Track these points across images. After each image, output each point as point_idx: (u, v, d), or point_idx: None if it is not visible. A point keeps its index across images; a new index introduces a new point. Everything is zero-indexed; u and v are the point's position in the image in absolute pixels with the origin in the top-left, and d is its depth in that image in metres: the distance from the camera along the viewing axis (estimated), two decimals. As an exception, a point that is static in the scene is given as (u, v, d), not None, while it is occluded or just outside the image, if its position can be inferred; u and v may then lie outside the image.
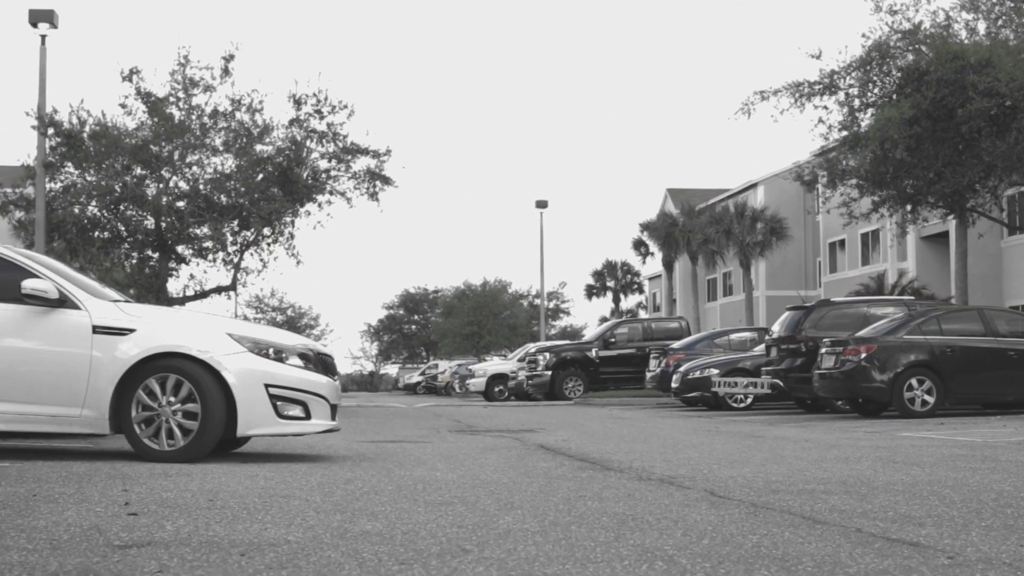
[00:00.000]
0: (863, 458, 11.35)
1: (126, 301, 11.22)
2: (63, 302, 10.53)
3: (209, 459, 10.94)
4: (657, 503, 7.31)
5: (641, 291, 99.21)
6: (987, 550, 5.24)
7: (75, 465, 9.96)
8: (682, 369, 29.54)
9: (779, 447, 13.29)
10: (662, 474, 9.66)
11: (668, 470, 10.08)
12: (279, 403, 10.41)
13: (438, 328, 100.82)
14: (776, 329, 26.76)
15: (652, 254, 78.50)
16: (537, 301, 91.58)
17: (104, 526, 5.83)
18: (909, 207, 33.47)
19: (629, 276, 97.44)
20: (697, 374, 28.55)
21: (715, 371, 28.18)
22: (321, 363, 11.07)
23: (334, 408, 11.11)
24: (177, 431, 10.26)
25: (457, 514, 6.56)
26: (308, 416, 10.68)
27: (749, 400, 28.06)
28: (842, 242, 58.67)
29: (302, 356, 10.84)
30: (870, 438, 15.12)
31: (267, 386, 10.37)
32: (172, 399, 10.23)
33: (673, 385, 29.72)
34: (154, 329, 10.46)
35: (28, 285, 10.40)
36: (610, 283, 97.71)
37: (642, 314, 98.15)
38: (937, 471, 9.68)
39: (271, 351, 10.59)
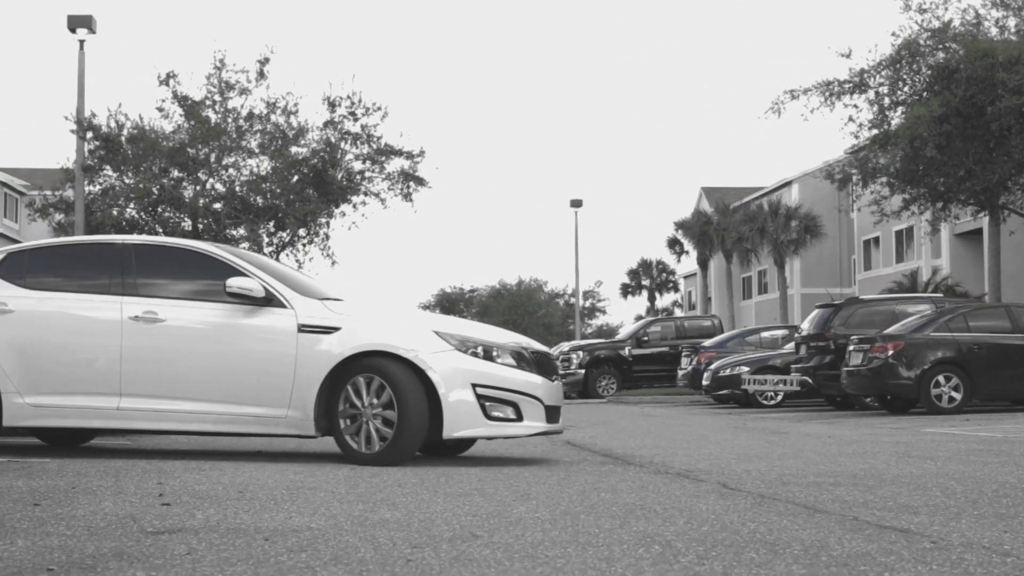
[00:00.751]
0: (880, 453, 11.60)
1: (334, 299, 10.87)
2: (269, 300, 10.43)
3: (241, 455, 11.31)
4: (668, 494, 7.60)
5: (676, 289, 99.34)
6: (971, 535, 5.51)
7: (114, 461, 10.33)
8: (713, 367, 29.78)
9: (800, 443, 13.55)
10: (680, 468, 9.94)
11: (687, 464, 10.36)
12: (487, 404, 10.04)
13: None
14: (805, 327, 26.97)
15: (687, 252, 78.59)
16: (573, 300, 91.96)
17: (138, 515, 6.18)
18: (940, 205, 33.58)
19: (664, 274, 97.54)
20: (728, 372, 28.79)
21: (745, 369, 28.42)
22: (537, 363, 10.65)
23: (552, 410, 10.63)
24: (375, 434, 10.02)
25: (473, 504, 6.88)
26: (520, 418, 10.26)
27: (779, 397, 28.27)
28: (876, 239, 58.71)
29: (515, 355, 10.45)
30: (893, 434, 15.34)
31: (474, 386, 10.00)
32: (375, 401, 9.99)
33: (704, 383, 29.97)
34: (360, 327, 10.21)
35: (234, 284, 10.34)
36: (645, 282, 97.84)
37: (677, 312, 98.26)
38: (948, 465, 9.93)
39: (479, 349, 10.23)
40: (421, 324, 10.42)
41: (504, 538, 5.36)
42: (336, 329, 10.21)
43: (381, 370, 9.96)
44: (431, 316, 11.40)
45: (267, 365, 10.26)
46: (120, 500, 6.92)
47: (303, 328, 10.26)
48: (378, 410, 9.99)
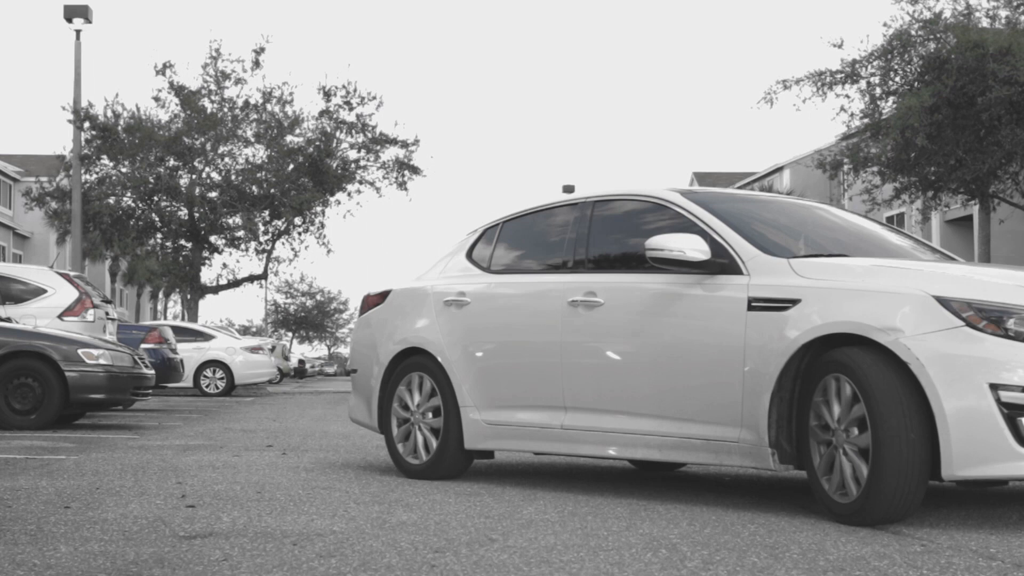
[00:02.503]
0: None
1: (805, 256, 7.20)
2: (720, 264, 7.19)
3: (254, 450, 11.63)
4: (670, 492, 7.92)
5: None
6: (959, 538, 5.82)
7: (128, 457, 10.63)
8: None
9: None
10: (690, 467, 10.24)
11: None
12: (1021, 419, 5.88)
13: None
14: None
15: (678, 237, 78.82)
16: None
17: (167, 518, 6.47)
18: (931, 193, 33.90)
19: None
20: None
21: None
22: None
23: None
24: (848, 475, 6.32)
25: (485, 505, 7.18)
26: None
27: None
28: (867, 226, 59.00)
29: None
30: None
31: (995, 388, 5.89)
32: (845, 414, 6.35)
33: None
34: (826, 297, 6.53)
35: (660, 244, 7.21)
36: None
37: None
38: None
39: (1010, 322, 6.01)
40: (915, 286, 6.29)
41: (518, 541, 5.66)
42: (794, 302, 6.70)
43: (846, 364, 6.30)
44: (928, 270, 6.67)
45: (711, 363, 7.09)
46: (145, 502, 7.21)
47: (754, 303, 6.92)
48: (852, 433, 6.31)
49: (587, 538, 5.80)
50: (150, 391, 16.66)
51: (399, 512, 6.79)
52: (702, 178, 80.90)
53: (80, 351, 15.06)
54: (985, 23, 31.80)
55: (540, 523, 6.35)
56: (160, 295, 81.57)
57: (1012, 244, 44.72)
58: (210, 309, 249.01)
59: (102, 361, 15.12)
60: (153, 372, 16.65)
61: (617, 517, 6.62)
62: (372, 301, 9.99)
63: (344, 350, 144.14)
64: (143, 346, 23.56)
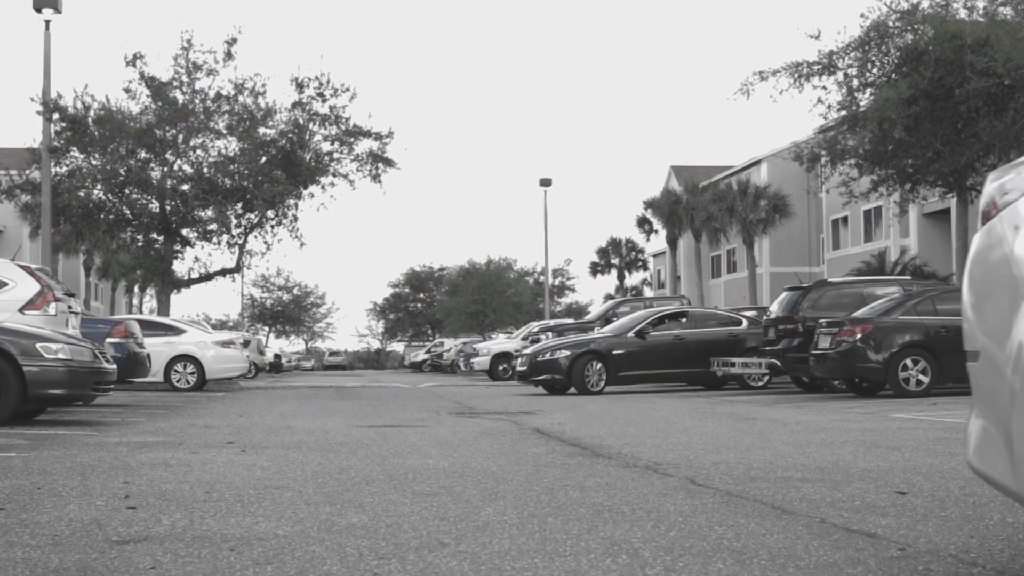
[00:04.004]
0: (847, 442, 11.63)
1: None
2: None
3: (213, 447, 11.27)
4: (636, 492, 7.60)
5: (645, 268, 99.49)
6: (938, 541, 5.52)
7: (81, 455, 10.27)
8: (529, 351, 28.94)
9: (768, 431, 13.56)
10: (648, 460, 9.93)
11: (656, 456, 10.36)
12: None
13: (443, 306, 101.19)
14: (774, 309, 27.01)
15: (656, 231, 78.74)
16: (542, 279, 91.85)
17: (104, 520, 6.13)
18: (908, 186, 33.69)
19: (633, 253, 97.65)
20: (548, 356, 27.58)
21: (565, 353, 27.39)
22: None
23: None
24: None
25: (441, 505, 6.86)
26: None
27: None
28: (845, 219, 58.91)
29: None
30: (861, 420, 15.39)
31: None
32: None
33: (519, 368, 28.67)
34: None
35: None
36: (614, 260, 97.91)
37: (647, 291, 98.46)
38: (915, 456, 9.96)
39: None
40: None
41: (471, 546, 5.34)
42: None
43: None
44: None
45: None
46: (85, 503, 6.86)
47: None
48: None
49: (544, 542, 5.49)
50: (112, 386, 16.25)
51: (350, 514, 6.46)
52: (679, 171, 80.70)
53: (38, 345, 14.66)
54: (963, 14, 31.59)
55: (497, 526, 6.03)
56: (135, 289, 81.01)
57: (989, 237, 44.54)
58: (187, 303, 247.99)
59: (61, 356, 14.72)
60: (115, 367, 16.23)
61: (579, 519, 6.31)
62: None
63: (322, 344, 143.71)
64: (108, 340, 23.11)
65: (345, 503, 6.96)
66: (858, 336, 21.84)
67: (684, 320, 28.94)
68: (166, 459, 9.91)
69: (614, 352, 27.30)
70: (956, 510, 6.64)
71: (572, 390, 26.85)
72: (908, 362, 21.56)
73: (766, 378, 27.93)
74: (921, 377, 21.48)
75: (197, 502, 6.96)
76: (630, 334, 27.88)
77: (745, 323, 29.04)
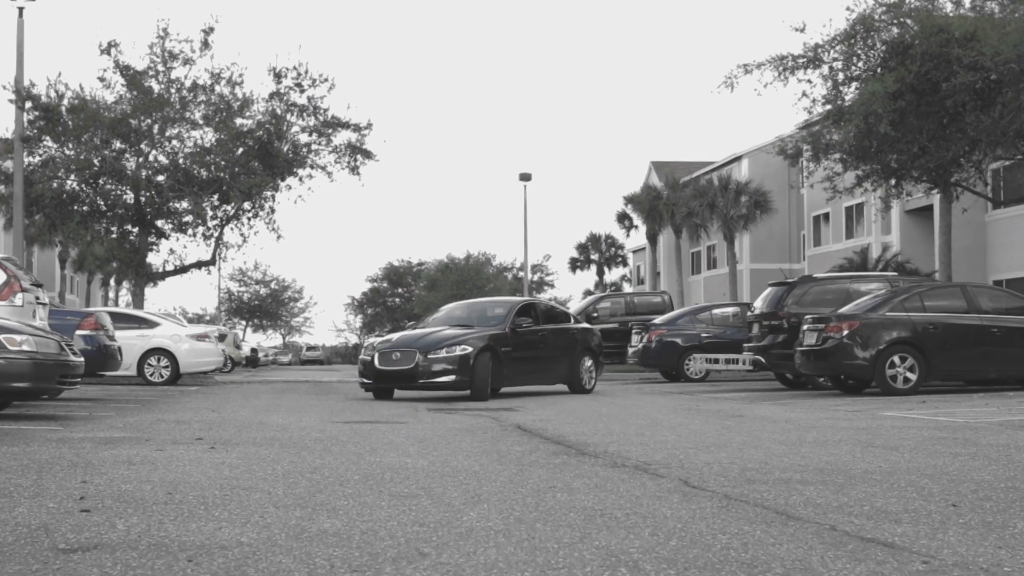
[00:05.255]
0: (842, 441, 11.19)
1: None
2: None
3: (181, 443, 10.76)
4: (628, 495, 7.13)
5: (625, 264, 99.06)
6: (964, 552, 5.07)
7: (40, 451, 9.76)
8: None
9: (758, 429, 13.13)
10: (637, 460, 9.48)
11: (644, 455, 9.91)
12: None
13: (422, 301, 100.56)
14: (758, 305, 26.60)
15: (636, 227, 78.24)
16: (521, 274, 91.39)
17: (53, 525, 5.64)
18: (893, 181, 33.29)
19: (613, 249, 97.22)
20: None
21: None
22: None
23: None
24: None
25: (421, 509, 6.38)
26: None
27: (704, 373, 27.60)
28: (826, 215, 58.51)
29: None
30: (851, 418, 14.97)
31: None
32: None
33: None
34: None
35: None
36: (594, 256, 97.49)
37: (626, 287, 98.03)
38: (916, 457, 9.52)
39: None
40: None
41: (454, 557, 4.86)
42: None
43: None
44: None
45: None
46: (37, 505, 6.36)
47: None
48: None
49: (534, 552, 5.01)
50: (79, 380, 15.67)
51: (322, 518, 5.97)
52: (660, 167, 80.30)
53: (1, 337, 14.11)
54: (949, 8, 31.21)
55: (481, 532, 5.55)
56: (111, 282, 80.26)
57: (972, 235, 44.28)
58: (164, 296, 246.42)
59: (25, 348, 14.17)
60: (82, 360, 15.65)
61: (570, 525, 5.83)
62: None
63: (299, 339, 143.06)
64: (78, 333, 22.52)
65: (317, 506, 6.46)
66: (845, 333, 21.41)
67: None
68: (130, 456, 9.40)
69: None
70: (975, 516, 6.18)
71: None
72: (895, 359, 21.13)
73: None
74: (908, 375, 21.06)
75: (157, 504, 6.46)
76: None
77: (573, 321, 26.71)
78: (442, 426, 13.89)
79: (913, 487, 7.45)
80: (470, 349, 21.40)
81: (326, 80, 39.82)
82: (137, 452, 9.83)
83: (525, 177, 61.29)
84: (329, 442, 11.21)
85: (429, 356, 21.32)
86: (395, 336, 23.06)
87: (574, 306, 53.98)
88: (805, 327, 22.46)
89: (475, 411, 16.99)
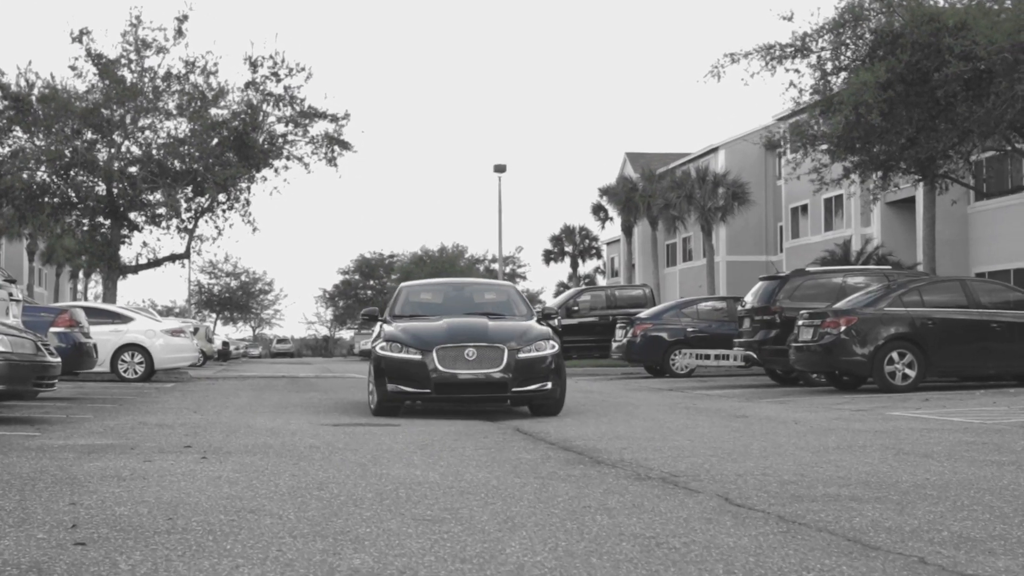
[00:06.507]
0: (867, 447, 10.61)
1: None
2: None
3: (170, 452, 10.08)
4: (673, 517, 6.50)
5: (599, 256, 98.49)
6: None
7: (20, 463, 9.08)
8: None
9: (771, 432, 12.55)
10: (661, 470, 8.88)
11: (665, 464, 9.31)
12: None
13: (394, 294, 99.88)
14: (749, 299, 26.05)
15: (611, 219, 77.69)
16: (494, 266, 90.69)
17: (47, 565, 4.97)
18: (880, 173, 32.80)
19: (587, 241, 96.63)
20: None
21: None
22: None
23: None
24: None
25: (454, 538, 5.73)
26: None
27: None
28: (804, 207, 58.05)
29: None
30: (860, 418, 14.43)
31: None
32: None
33: None
34: None
35: None
36: (568, 248, 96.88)
37: (600, 279, 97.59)
38: (958, 467, 8.93)
39: None
40: None
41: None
42: None
43: None
44: None
45: None
46: (24, 536, 5.68)
47: None
48: None
49: (605, 599, 4.37)
50: (56, 381, 14.93)
51: (348, 552, 5.32)
52: (635, 158, 79.73)
53: (-26, 337, 13.37)
54: (940, 0, 30.71)
55: (533, 571, 4.91)
56: (80, 275, 79.25)
57: (955, 227, 43.87)
58: (131, 290, 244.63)
59: (0, 348, 13.46)
60: (59, 360, 14.90)
61: (629, 560, 5.20)
62: None
63: (269, 331, 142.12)
64: (52, 330, 21.77)
65: (338, 535, 5.81)
66: (842, 328, 20.86)
67: None
68: (118, 469, 8.72)
69: None
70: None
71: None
72: (894, 355, 20.59)
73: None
74: (907, 371, 20.53)
75: (159, 533, 5.79)
76: None
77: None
78: (438, 429, 13.28)
79: (981, 506, 6.85)
80: (556, 347, 15.87)
81: (303, 69, 39.08)
82: (124, 464, 9.14)
83: (499, 168, 60.71)
84: (327, 450, 10.56)
85: (520, 355, 15.40)
86: (406, 326, 16.27)
87: (549, 299, 53.46)
88: (801, 322, 21.91)
89: (466, 413, 16.33)
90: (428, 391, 15.33)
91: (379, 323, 17.08)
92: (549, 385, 15.45)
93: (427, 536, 5.79)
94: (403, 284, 18.70)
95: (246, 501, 7.04)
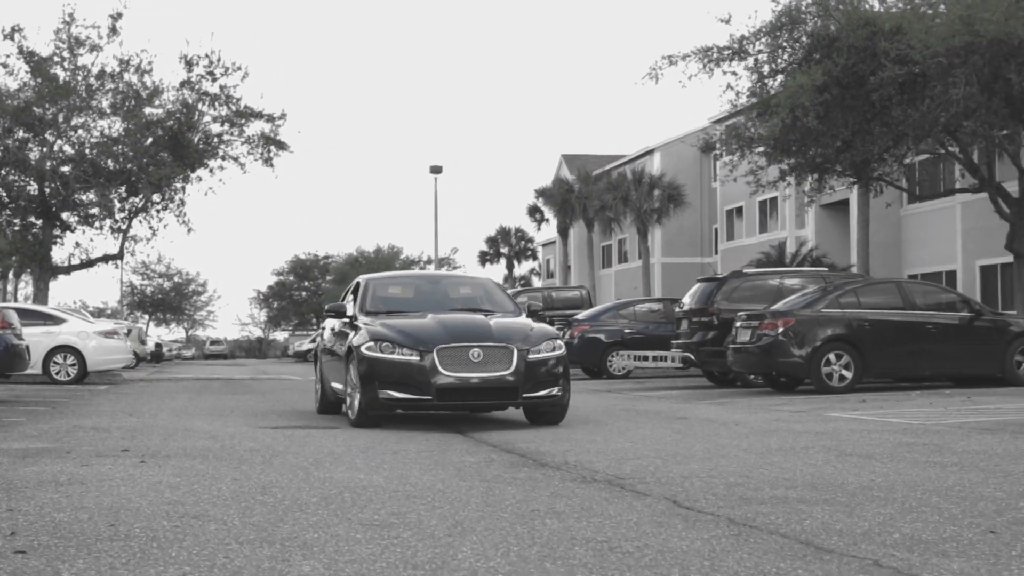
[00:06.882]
0: (810, 449, 10.62)
1: None
2: None
3: (107, 456, 9.90)
4: (624, 520, 6.44)
5: (535, 258, 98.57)
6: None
7: (-48, 468, 8.89)
8: None
9: (712, 433, 12.54)
10: (606, 473, 8.84)
11: (609, 466, 9.26)
12: None
13: (331, 295, 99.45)
14: (687, 301, 26.10)
15: (547, 220, 77.82)
16: (430, 267, 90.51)
17: (-14, 572, 4.84)
18: (816, 175, 32.98)
19: (523, 242, 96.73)
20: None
21: None
22: None
23: None
24: None
25: (404, 543, 5.65)
26: None
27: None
28: (739, 209, 58.35)
29: None
30: (799, 420, 14.46)
31: None
32: None
33: None
34: None
35: None
36: (504, 249, 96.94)
37: (535, 281, 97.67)
38: (902, 468, 8.94)
39: None
40: None
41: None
42: None
43: None
44: None
45: None
46: (-39, 542, 5.54)
47: None
48: None
49: (563, 605, 4.30)
50: (-11, 383, 14.71)
51: (297, 559, 5.22)
52: (571, 160, 79.82)
53: (-95, 338, 13.14)
54: (875, 4, 30.90)
55: (485, 575, 4.84)
56: (11, 276, 78.20)
57: (888, 229, 44.24)
58: (63, 291, 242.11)
59: (-69, 350, 13.21)
60: (-8, 362, 14.69)
61: (584, 565, 5.14)
62: None
63: (202, 333, 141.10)
64: (-17, 331, 21.43)
65: (285, 540, 5.70)
66: (780, 330, 20.93)
67: None
68: (55, 474, 8.55)
69: None
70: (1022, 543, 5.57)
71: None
72: (831, 357, 20.70)
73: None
74: (844, 372, 20.64)
75: (101, 540, 5.66)
76: None
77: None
78: (379, 431, 13.20)
79: (929, 507, 6.85)
80: (563, 348, 14.46)
81: (239, 69, 38.78)
82: (62, 469, 8.97)
83: (436, 170, 60.59)
84: (267, 453, 10.43)
85: (530, 357, 13.80)
86: (391, 323, 14.31)
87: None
88: (738, 324, 21.98)
89: (403, 414, 16.21)
90: (429, 398, 13.43)
91: (347, 321, 15.34)
92: (558, 391, 13.91)
93: (376, 542, 5.70)
94: (365, 277, 16.53)
95: (189, 506, 6.92)
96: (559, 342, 14.25)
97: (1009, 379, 21.36)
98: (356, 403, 13.92)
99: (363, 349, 13.76)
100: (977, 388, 20.77)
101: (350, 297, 16.30)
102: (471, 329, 13.97)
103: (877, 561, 5.22)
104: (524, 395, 13.63)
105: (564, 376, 14.03)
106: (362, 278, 16.47)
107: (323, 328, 16.93)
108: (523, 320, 14.95)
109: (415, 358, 13.47)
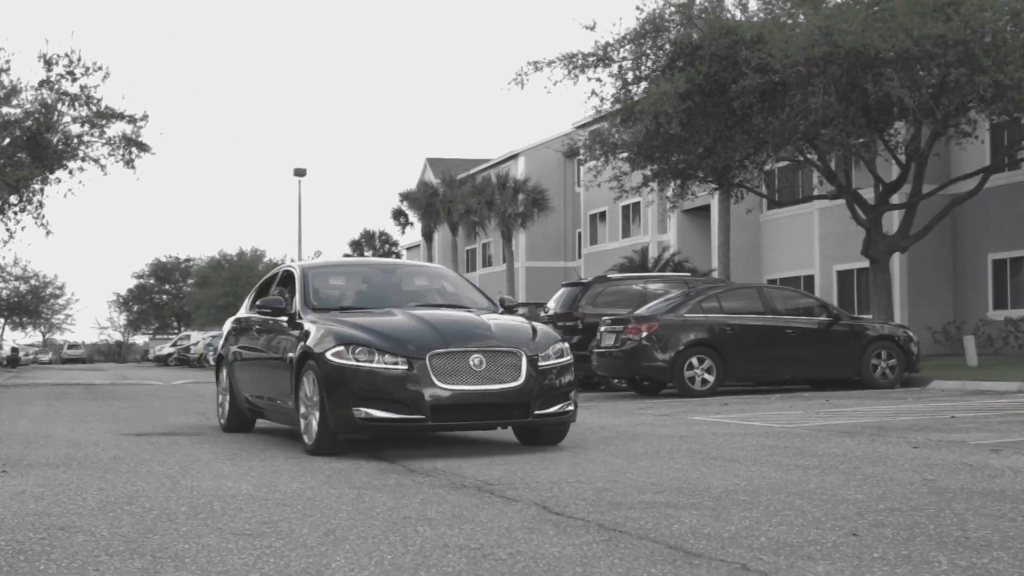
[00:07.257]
0: (674, 452, 10.78)
1: None
2: None
3: (-37, 467, 9.70)
4: (495, 527, 6.49)
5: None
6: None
7: None
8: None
9: (578, 437, 12.62)
10: (475, 478, 8.88)
11: (478, 472, 9.31)
12: None
13: (192, 299, 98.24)
14: (552, 305, 26.30)
15: (412, 224, 77.66)
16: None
17: None
18: (679, 181, 33.39)
19: (387, 246, 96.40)
20: None
21: None
22: None
23: None
24: None
25: (277, 553, 5.63)
26: None
27: None
28: (603, 214, 58.87)
29: None
30: (664, 423, 14.65)
31: None
32: None
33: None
34: None
35: None
36: (368, 253, 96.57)
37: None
38: (765, 472, 9.12)
39: None
40: None
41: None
42: None
43: None
44: None
45: None
46: None
47: None
48: None
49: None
50: None
51: (168, 569, 5.18)
52: (436, 164, 79.85)
53: None
54: (737, 14, 31.34)
55: (362, 585, 4.86)
56: None
57: (748, 235, 44.97)
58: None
59: None
60: None
61: (456, 572, 5.17)
62: None
63: (59, 337, 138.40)
64: None
65: (156, 552, 5.65)
66: (644, 334, 21.21)
67: None
68: (-87, 485, 8.37)
69: None
70: (887, 549, 5.71)
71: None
72: (694, 360, 21.03)
73: None
74: (707, 376, 20.99)
75: (-34, 553, 5.57)
76: None
77: None
78: (245, 438, 13.09)
79: (792, 510, 7.00)
80: (570, 354, 11.91)
81: (100, 68, 38.14)
82: (-80, 478, 8.78)
83: (300, 172, 60.27)
84: (132, 461, 10.29)
85: (540, 364, 11.23)
86: (358, 322, 11.48)
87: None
88: (603, 328, 22.21)
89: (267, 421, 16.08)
90: (421, 417, 10.67)
91: (284, 320, 12.46)
92: (571, 407, 11.47)
93: (249, 551, 5.67)
94: (299, 265, 13.32)
95: (55, 517, 6.81)
96: (566, 346, 11.81)
97: (866, 382, 21.87)
98: (315, 424, 11.02)
99: (328, 355, 10.91)
100: (835, 391, 21.23)
101: (277, 290, 13.60)
102: (467, 330, 11.41)
103: (745, 565, 5.34)
104: (536, 412, 11.06)
105: (575, 388, 11.68)
106: (294, 266, 13.44)
107: (230, 328, 14.62)
108: (517, 319, 12.38)
109: (402, 367, 10.73)
